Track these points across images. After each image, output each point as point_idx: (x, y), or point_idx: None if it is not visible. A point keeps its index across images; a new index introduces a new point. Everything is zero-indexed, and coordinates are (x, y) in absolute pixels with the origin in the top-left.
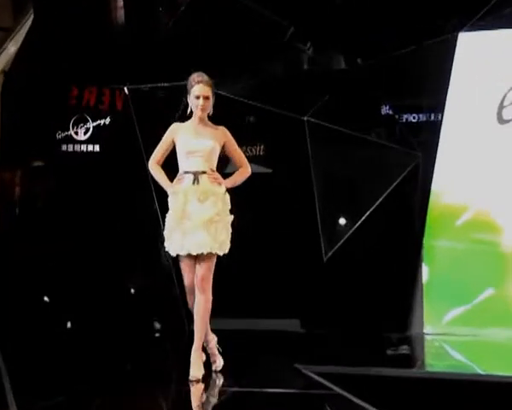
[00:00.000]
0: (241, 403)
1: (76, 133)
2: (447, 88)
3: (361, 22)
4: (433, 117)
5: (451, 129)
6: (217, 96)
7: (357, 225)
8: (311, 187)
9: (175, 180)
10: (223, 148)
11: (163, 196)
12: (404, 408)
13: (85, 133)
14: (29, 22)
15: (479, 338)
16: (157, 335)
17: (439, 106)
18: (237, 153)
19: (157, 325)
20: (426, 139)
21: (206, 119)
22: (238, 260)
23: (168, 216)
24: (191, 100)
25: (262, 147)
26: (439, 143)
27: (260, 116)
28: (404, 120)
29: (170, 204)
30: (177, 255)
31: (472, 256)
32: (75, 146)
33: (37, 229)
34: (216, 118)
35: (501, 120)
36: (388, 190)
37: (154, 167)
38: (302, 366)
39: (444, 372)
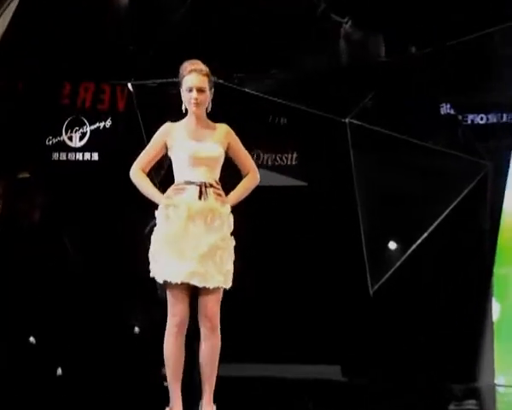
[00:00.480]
0: None
1: (70, 139)
2: None
3: (416, 2)
4: (504, 118)
5: None
6: (241, 94)
7: (411, 250)
8: (354, 204)
9: (170, 191)
10: (226, 150)
11: None
12: None
13: (81, 139)
14: (13, 7)
15: None
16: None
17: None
18: (243, 155)
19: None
20: (496, 145)
21: (205, 116)
22: (264, 292)
23: (158, 233)
24: (183, 94)
25: (294, 155)
26: None
27: (292, 118)
28: (469, 122)
29: (162, 219)
30: (164, 281)
31: None
32: (69, 154)
33: (23, 253)
34: (239, 119)
35: None
36: (449, 208)
37: (139, 174)
38: None
39: None
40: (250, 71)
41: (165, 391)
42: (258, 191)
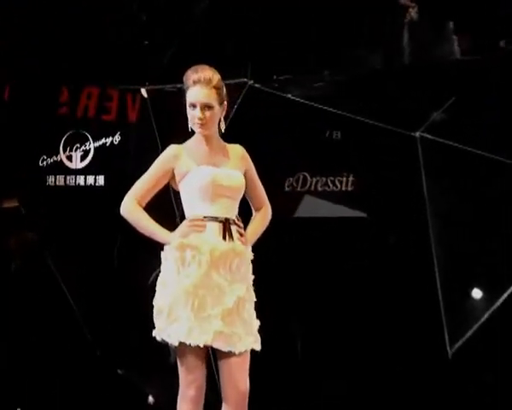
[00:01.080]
0: None
1: (69, 158)
2: None
3: None
4: None
5: None
6: (282, 101)
7: (500, 302)
8: (427, 239)
9: (185, 227)
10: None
11: None
12: None
13: (83, 158)
14: None
15: None
16: None
17: None
18: (259, 185)
19: None
20: None
21: (217, 136)
22: (310, 349)
23: (170, 282)
24: (187, 110)
25: (351, 178)
26: None
27: (348, 131)
28: None
29: (174, 264)
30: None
31: None
32: (68, 178)
33: (14, 295)
34: (280, 134)
35: None
36: None
37: (135, 209)
38: None
39: None
40: (294, 72)
41: None
42: (303, 225)
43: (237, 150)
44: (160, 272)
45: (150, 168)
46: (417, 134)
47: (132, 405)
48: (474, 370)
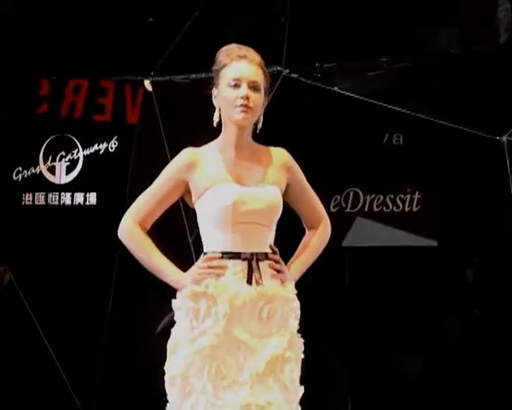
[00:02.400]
0: None
1: (51, 170)
2: None
3: None
4: None
5: None
6: (327, 95)
7: None
8: None
9: (198, 269)
10: (285, 191)
11: None
12: None
13: (69, 170)
14: None
15: None
16: None
17: None
18: (313, 197)
19: None
20: None
21: (250, 137)
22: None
23: (183, 341)
24: (222, 93)
25: (416, 195)
26: None
27: (413, 135)
28: None
29: (186, 318)
30: None
31: None
32: (50, 195)
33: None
34: (323, 137)
35: None
36: None
37: (136, 234)
38: None
39: None
40: (342, 59)
41: None
42: (354, 256)
43: (278, 156)
44: (172, 317)
45: (157, 180)
46: (504, 138)
47: None
48: None
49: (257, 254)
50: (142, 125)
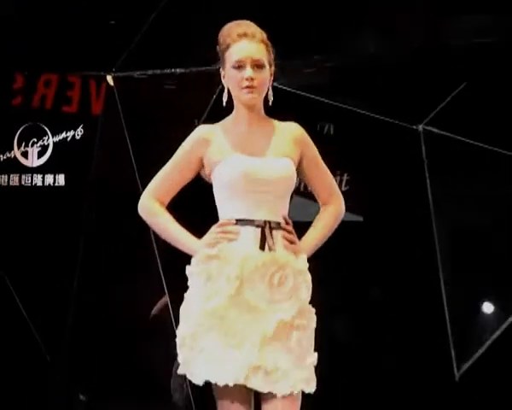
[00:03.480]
0: None
1: (24, 155)
2: None
3: None
4: None
5: None
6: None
7: None
8: (432, 248)
9: (212, 234)
10: (298, 166)
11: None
12: None
13: (41, 155)
14: None
15: None
16: None
17: None
18: (325, 173)
19: None
20: None
21: (262, 111)
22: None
23: (194, 304)
24: (229, 74)
25: (345, 177)
26: None
27: (342, 124)
28: None
29: (199, 281)
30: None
31: None
32: (23, 177)
33: None
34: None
35: None
36: None
37: (155, 209)
38: None
39: None
40: (280, 57)
41: None
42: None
43: (291, 130)
44: (166, 302)
45: (173, 157)
46: (420, 127)
47: None
48: (485, 394)
49: (270, 222)
50: (105, 116)
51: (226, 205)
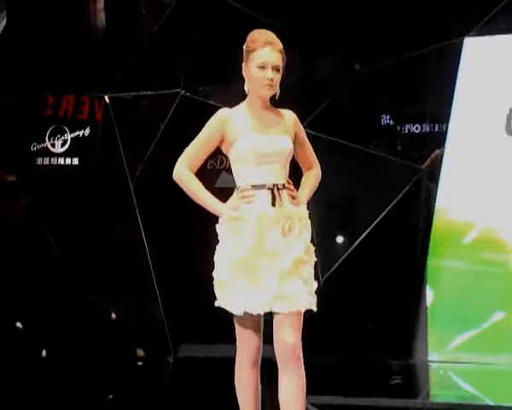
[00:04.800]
0: None
1: (53, 145)
2: (452, 97)
3: (360, 26)
4: (437, 128)
5: (457, 141)
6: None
7: (356, 244)
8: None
9: (235, 199)
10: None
11: (146, 213)
12: None
13: (63, 145)
14: (1, 26)
15: (488, 366)
16: (140, 363)
17: (443, 116)
18: (308, 147)
19: (140, 353)
20: (429, 152)
21: (268, 101)
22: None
23: (225, 254)
24: (251, 72)
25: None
26: (444, 156)
27: None
28: (406, 131)
29: (227, 236)
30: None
31: (480, 277)
32: (51, 159)
33: (12, 250)
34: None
35: (509, 131)
36: (389, 207)
37: (188, 176)
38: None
39: (450, 403)
40: (217, 84)
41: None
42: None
43: (289, 115)
44: None
45: (200, 133)
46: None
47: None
48: (340, 295)
49: (277, 184)
50: (104, 122)
51: (242, 173)
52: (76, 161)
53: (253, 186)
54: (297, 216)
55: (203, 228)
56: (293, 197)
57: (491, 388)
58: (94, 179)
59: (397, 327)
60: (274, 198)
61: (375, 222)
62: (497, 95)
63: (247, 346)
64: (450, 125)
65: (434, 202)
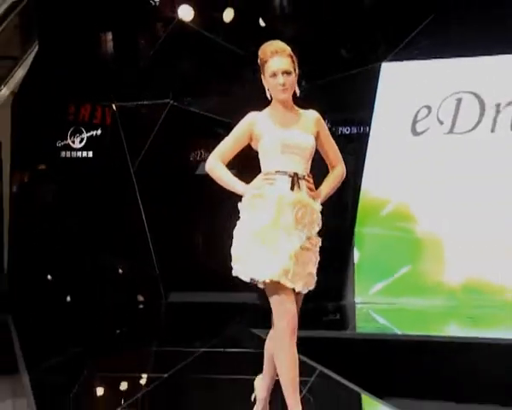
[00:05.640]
0: (209, 360)
1: (73, 142)
2: (373, 106)
3: (306, 53)
4: (362, 130)
5: (377, 138)
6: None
7: None
8: None
9: (258, 180)
10: (316, 139)
11: (144, 192)
12: (338, 363)
13: (80, 142)
14: (34, 51)
15: (398, 306)
16: (141, 306)
17: (367, 120)
18: (332, 146)
19: (140, 298)
20: (357, 147)
21: (291, 101)
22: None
23: (244, 228)
24: (267, 80)
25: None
26: (368, 150)
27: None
28: (340, 132)
29: (247, 211)
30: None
31: (393, 241)
32: (72, 153)
33: (46, 220)
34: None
35: (414, 132)
36: None
37: (218, 166)
38: (257, 330)
39: (371, 333)
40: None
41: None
42: (198, 180)
43: (312, 115)
44: None
45: (232, 132)
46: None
47: None
48: None
49: (297, 173)
50: (111, 124)
51: (268, 162)
52: (90, 154)
53: (276, 172)
54: (310, 207)
55: (189, 199)
56: (311, 190)
57: (401, 322)
58: (104, 168)
59: (332, 278)
60: (293, 184)
61: None
62: (405, 105)
63: (281, 313)
64: (371, 127)
65: (360, 183)
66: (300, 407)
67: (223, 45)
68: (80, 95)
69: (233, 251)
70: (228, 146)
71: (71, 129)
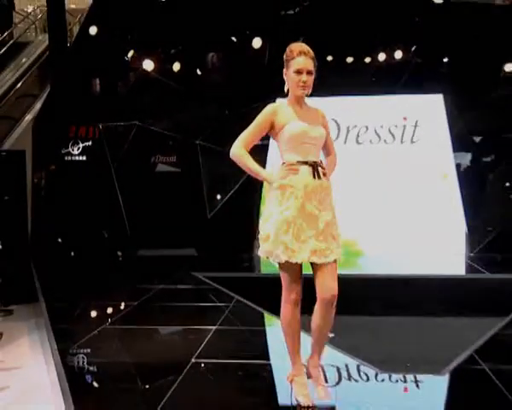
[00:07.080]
0: (155, 295)
1: (73, 150)
2: None
3: (225, 90)
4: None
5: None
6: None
7: (227, 196)
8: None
9: (283, 171)
10: None
11: (121, 182)
12: (249, 294)
13: (78, 150)
14: (47, 91)
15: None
16: (120, 259)
17: None
18: (330, 138)
19: (119, 253)
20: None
21: (305, 98)
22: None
23: (273, 214)
24: (290, 76)
25: (175, 157)
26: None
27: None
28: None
29: (276, 199)
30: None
31: None
32: (72, 157)
33: (58, 203)
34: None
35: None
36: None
37: (243, 153)
38: (196, 273)
39: (271, 273)
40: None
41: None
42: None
43: (319, 111)
44: None
45: (254, 122)
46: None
47: None
48: (223, 225)
49: (316, 162)
50: (99, 138)
51: (288, 153)
52: (84, 158)
53: (298, 162)
54: (329, 189)
55: (150, 187)
56: (324, 174)
57: None
58: (93, 167)
59: (246, 238)
60: (314, 172)
61: (237, 186)
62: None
63: (291, 291)
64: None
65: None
66: (300, 364)
67: (173, 85)
68: (78, 119)
69: (261, 232)
70: (251, 134)
71: (71, 141)
